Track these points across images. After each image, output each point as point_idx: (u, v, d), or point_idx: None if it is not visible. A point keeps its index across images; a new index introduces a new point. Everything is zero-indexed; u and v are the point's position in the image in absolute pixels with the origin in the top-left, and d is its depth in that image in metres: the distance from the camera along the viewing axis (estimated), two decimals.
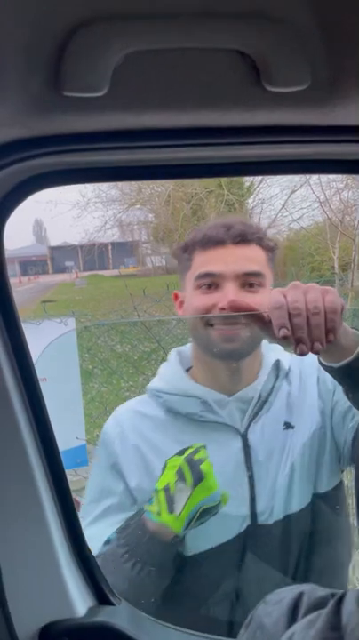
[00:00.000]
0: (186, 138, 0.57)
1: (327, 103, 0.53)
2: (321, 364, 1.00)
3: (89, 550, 0.90)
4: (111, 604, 0.91)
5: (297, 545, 1.12)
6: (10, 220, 0.70)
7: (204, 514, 1.02)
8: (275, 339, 0.93)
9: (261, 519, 1.11)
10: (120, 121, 0.54)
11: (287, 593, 0.57)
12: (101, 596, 0.91)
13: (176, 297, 1.21)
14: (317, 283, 0.98)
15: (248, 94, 0.51)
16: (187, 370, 1.20)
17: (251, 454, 1.12)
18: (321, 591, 0.54)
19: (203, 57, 0.48)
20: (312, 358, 1.15)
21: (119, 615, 0.90)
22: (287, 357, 1.20)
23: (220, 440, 1.12)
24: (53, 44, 0.45)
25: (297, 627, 0.51)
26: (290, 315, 0.88)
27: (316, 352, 0.91)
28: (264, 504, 1.11)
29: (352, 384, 0.98)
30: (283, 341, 0.93)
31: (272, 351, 1.19)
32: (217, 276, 1.07)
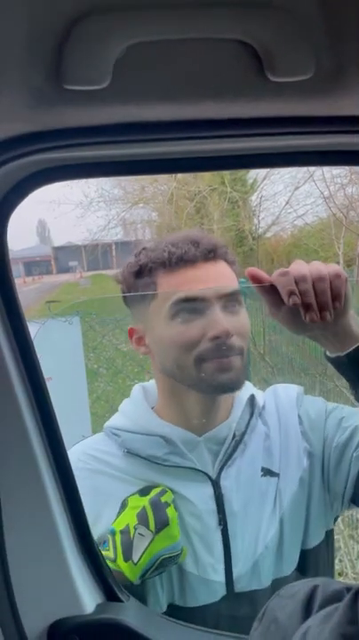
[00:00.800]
0: (188, 130, 0.57)
1: (331, 93, 0.52)
2: (327, 358, 0.94)
3: (97, 547, 0.90)
4: (119, 600, 0.91)
5: None
6: (13, 221, 0.68)
7: (164, 564, 0.92)
8: (278, 314, 0.89)
9: (240, 586, 0.96)
10: (122, 114, 0.54)
11: (301, 586, 0.56)
12: (110, 592, 0.91)
13: (131, 333, 1.02)
14: None
15: (251, 85, 0.50)
16: (153, 408, 1.06)
17: (225, 505, 0.97)
18: (335, 584, 0.54)
19: (205, 48, 0.48)
20: (288, 395, 1.08)
21: (128, 612, 0.90)
22: (260, 394, 1.08)
23: (187, 487, 0.97)
24: (54, 36, 0.45)
25: (312, 621, 0.50)
26: (295, 281, 0.84)
27: (325, 320, 0.85)
28: (243, 565, 0.96)
29: None
30: (291, 313, 0.87)
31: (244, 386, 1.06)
32: (199, 300, 0.93)
